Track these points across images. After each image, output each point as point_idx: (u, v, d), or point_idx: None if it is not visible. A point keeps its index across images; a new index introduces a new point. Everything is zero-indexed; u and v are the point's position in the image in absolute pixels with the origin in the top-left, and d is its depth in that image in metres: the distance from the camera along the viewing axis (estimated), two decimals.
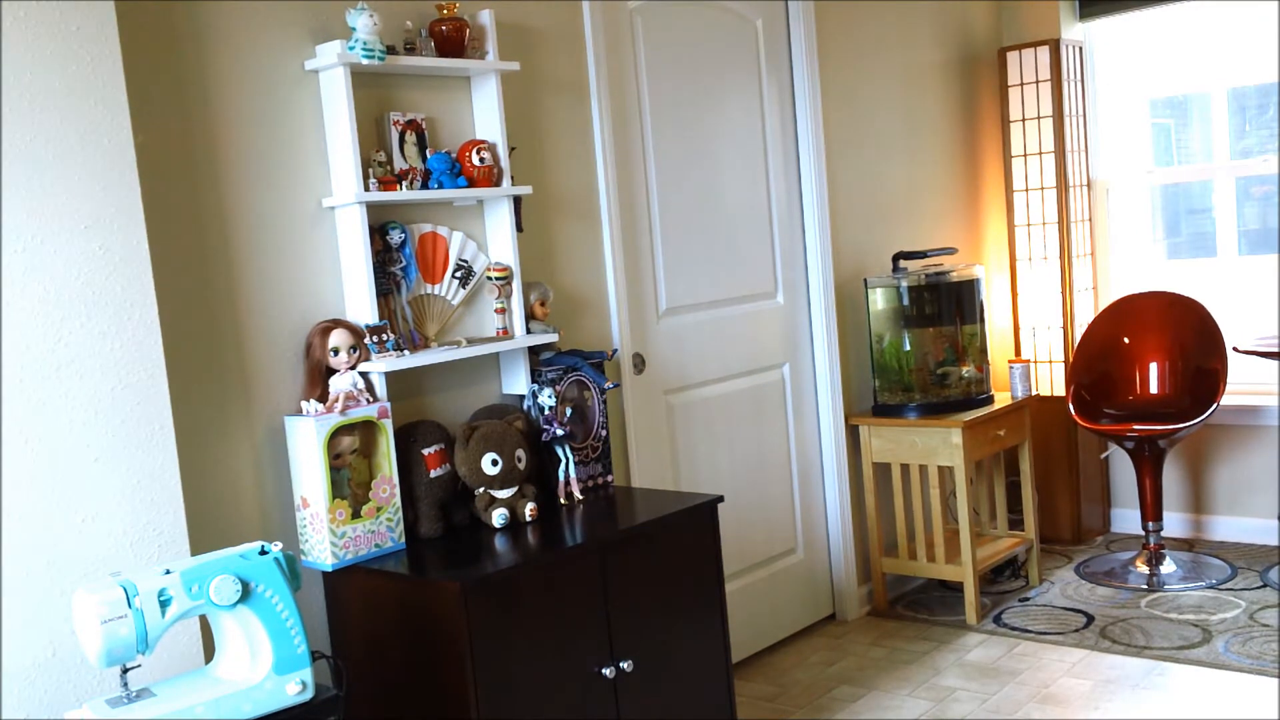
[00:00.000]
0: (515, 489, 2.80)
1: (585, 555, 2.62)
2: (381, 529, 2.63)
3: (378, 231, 2.74)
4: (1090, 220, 4.92)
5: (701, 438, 3.74)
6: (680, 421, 3.67)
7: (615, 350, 3.37)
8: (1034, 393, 4.57)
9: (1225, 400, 4.32)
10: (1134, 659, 3.64)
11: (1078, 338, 4.73)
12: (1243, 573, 4.31)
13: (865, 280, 4.22)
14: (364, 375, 2.64)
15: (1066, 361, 4.74)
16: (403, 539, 2.67)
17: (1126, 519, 4.92)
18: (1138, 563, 4.41)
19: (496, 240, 2.98)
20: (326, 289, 2.69)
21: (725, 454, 3.82)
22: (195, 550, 2.32)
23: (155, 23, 2.42)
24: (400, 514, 2.67)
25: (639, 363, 3.51)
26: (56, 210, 2.12)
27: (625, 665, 2.65)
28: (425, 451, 2.73)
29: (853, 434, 4.21)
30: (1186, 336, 4.49)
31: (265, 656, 2.03)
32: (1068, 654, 3.73)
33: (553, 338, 2.99)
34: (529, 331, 2.97)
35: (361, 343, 2.64)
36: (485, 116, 2.95)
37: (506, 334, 2.94)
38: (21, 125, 2.08)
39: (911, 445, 4.09)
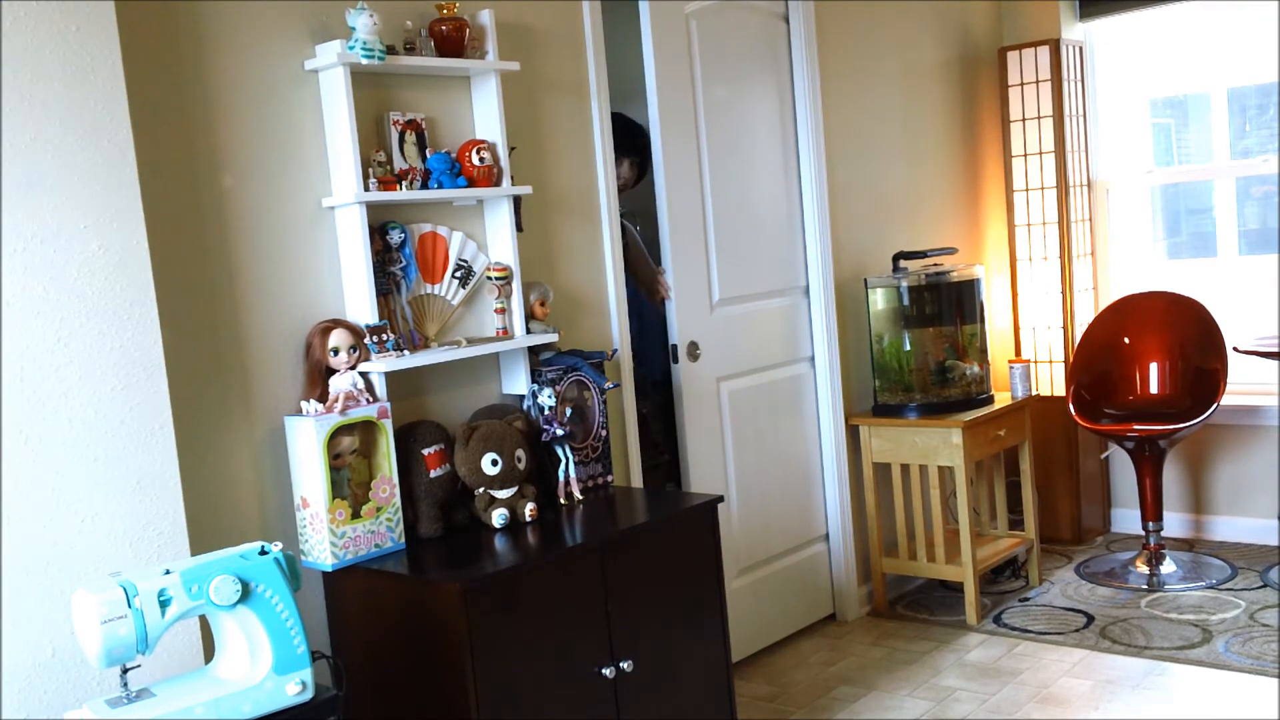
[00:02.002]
0: (515, 489, 2.80)
1: (585, 555, 2.62)
2: (381, 529, 2.63)
3: (377, 231, 2.74)
4: (1090, 220, 4.92)
5: (726, 430, 3.83)
6: (725, 412, 3.83)
7: (615, 350, 3.37)
8: (1034, 393, 4.57)
9: (1225, 400, 4.32)
10: (1134, 659, 3.64)
11: (1078, 338, 4.73)
12: (1243, 573, 4.31)
13: (865, 280, 4.22)
14: (364, 375, 2.64)
15: (1066, 361, 4.74)
16: (402, 539, 2.67)
17: (1126, 519, 4.92)
18: (1138, 563, 4.41)
19: (496, 240, 2.98)
20: (326, 289, 2.69)
21: (737, 448, 3.88)
22: (195, 550, 2.31)
23: (155, 22, 2.42)
24: (400, 514, 2.66)
25: (693, 350, 3.65)
26: (56, 210, 2.12)
27: (625, 665, 2.65)
28: (425, 451, 2.73)
29: (853, 434, 4.21)
30: (1186, 336, 4.49)
31: (265, 657, 2.03)
32: (1068, 654, 3.73)
33: (553, 338, 2.99)
34: (529, 331, 2.97)
35: (361, 343, 2.64)
36: (485, 116, 2.95)
37: (506, 334, 2.94)
38: (21, 125, 2.08)
39: (911, 445, 4.09)
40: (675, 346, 3.64)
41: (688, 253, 3.69)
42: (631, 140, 3.75)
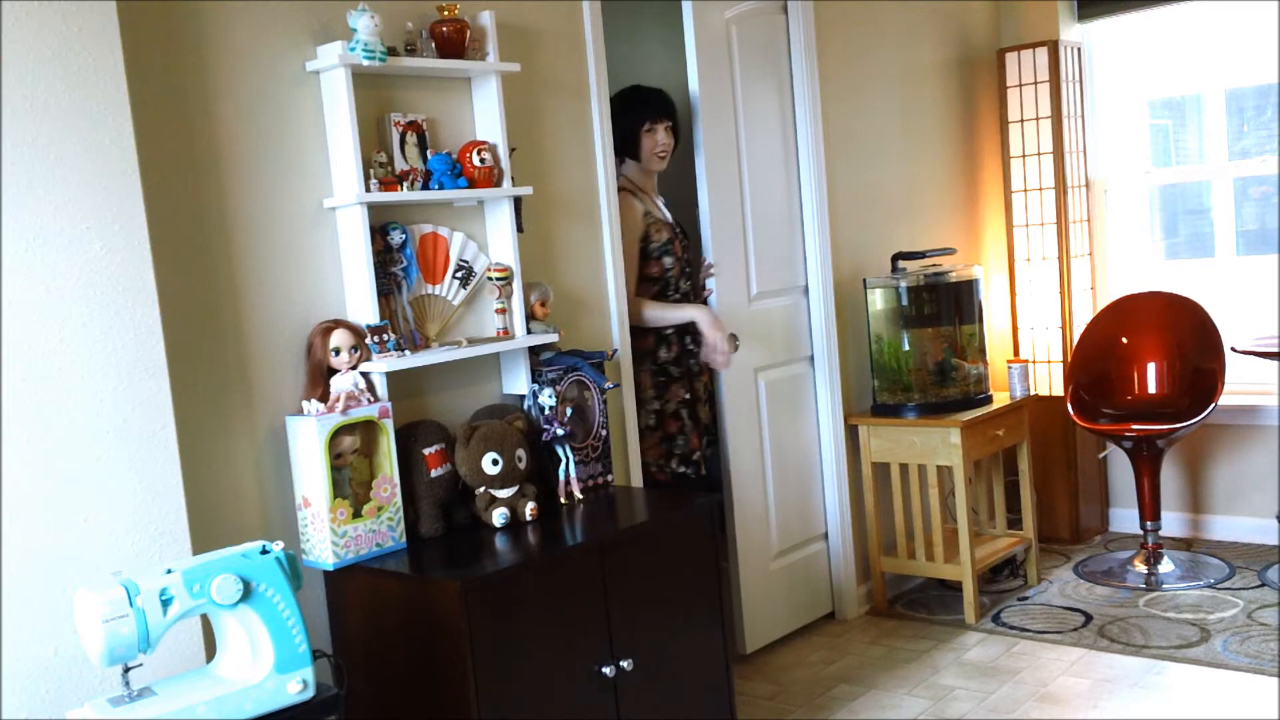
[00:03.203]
0: (515, 488, 2.81)
1: (585, 555, 2.63)
2: (382, 528, 2.64)
3: (379, 232, 2.74)
4: (1089, 221, 4.93)
5: (763, 419, 3.96)
6: (762, 401, 3.97)
7: (615, 350, 3.38)
8: (1032, 393, 4.58)
9: (1223, 400, 4.33)
10: (1132, 658, 3.65)
11: (1076, 338, 4.74)
12: (1241, 572, 4.32)
13: (864, 280, 4.22)
14: (365, 375, 2.65)
15: (1065, 361, 4.75)
16: (403, 538, 2.68)
17: (1125, 518, 4.93)
18: (1136, 562, 4.42)
19: (497, 240, 2.99)
20: (327, 289, 2.70)
21: (774, 437, 3.98)
22: (197, 549, 2.32)
23: (157, 23, 2.42)
24: (401, 513, 2.67)
25: (733, 342, 3.72)
26: (58, 211, 2.13)
27: (625, 664, 2.65)
28: (426, 451, 2.74)
29: (852, 434, 4.21)
30: (1184, 337, 4.50)
31: (266, 655, 2.04)
32: (1066, 653, 3.74)
33: (553, 338, 3.00)
34: (529, 332, 2.98)
35: (362, 343, 2.65)
36: (486, 117, 2.96)
37: (507, 334, 2.95)
38: (23, 125, 2.09)
39: (910, 445, 4.09)
40: None
41: (729, 247, 3.82)
42: (663, 104, 3.68)
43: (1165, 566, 4.36)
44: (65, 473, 2.14)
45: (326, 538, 2.54)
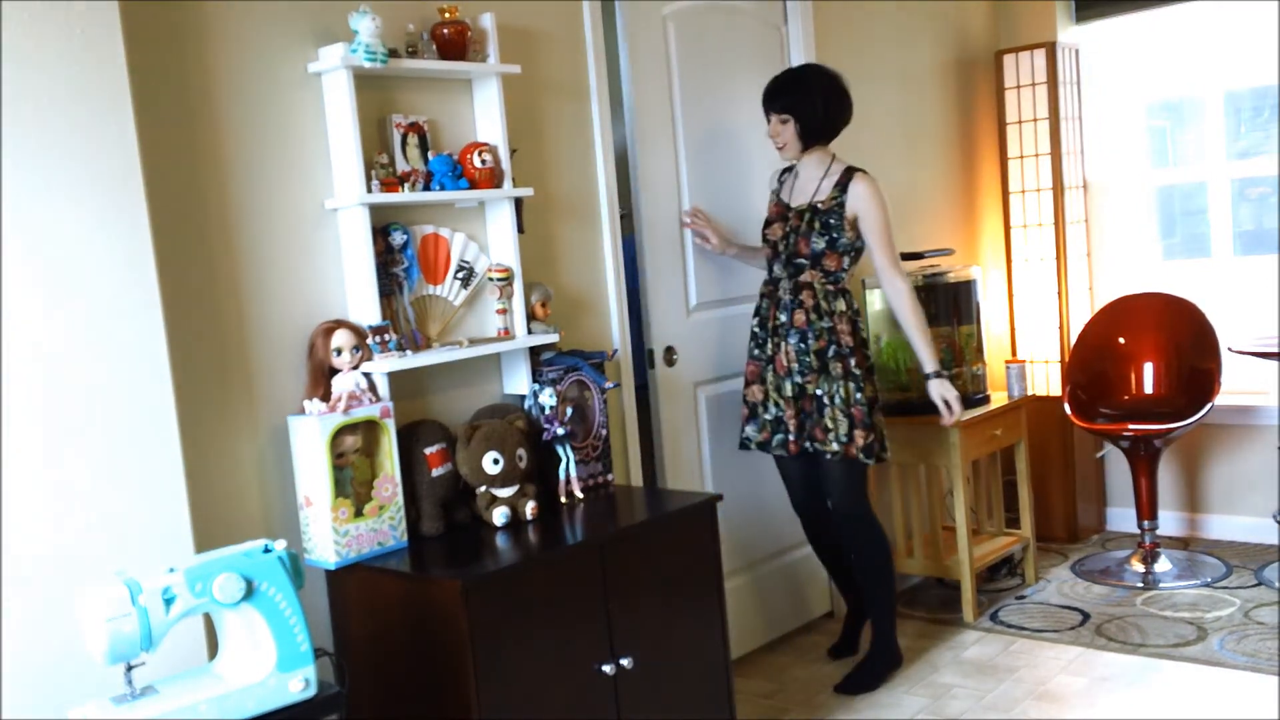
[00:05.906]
0: (516, 488, 2.82)
1: (586, 553, 2.64)
2: (384, 527, 2.65)
3: (380, 233, 2.75)
4: (1086, 221, 4.94)
5: (704, 433, 3.80)
6: (702, 416, 3.81)
7: (615, 350, 3.39)
8: (1030, 393, 4.59)
9: (1219, 400, 4.35)
10: (1129, 656, 3.67)
11: (1074, 338, 4.75)
12: (1238, 571, 4.34)
13: (863, 281, 4.24)
14: (366, 375, 2.66)
15: (1062, 362, 4.77)
16: (405, 537, 2.69)
17: (1122, 518, 4.95)
18: (1133, 561, 4.43)
19: (498, 241, 3.00)
20: (329, 290, 2.71)
21: (715, 452, 3.85)
22: (199, 549, 2.33)
23: (159, 25, 2.43)
24: (402, 512, 2.68)
25: (670, 355, 3.64)
26: (61, 212, 2.14)
27: (626, 662, 2.67)
28: (427, 450, 2.75)
29: None
30: (1181, 337, 4.51)
31: (268, 654, 2.05)
32: (1064, 651, 3.75)
33: (554, 338, 3.01)
34: (530, 332, 2.99)
35: (364, 343, 2.66)
36: (487, 118, 2.97)
37: (508, 334, 2.96)
38: (25, 127, 2.10)
39: (909, 445, 4.11)
40: (651, 351, 3.62)
41: (663, 257, 3.65)
42: (776, 94, 3.49)
43: (1162, 565, 4.37)
44: (68, 472, 2.15)
45: (328, 537, 2.55)
